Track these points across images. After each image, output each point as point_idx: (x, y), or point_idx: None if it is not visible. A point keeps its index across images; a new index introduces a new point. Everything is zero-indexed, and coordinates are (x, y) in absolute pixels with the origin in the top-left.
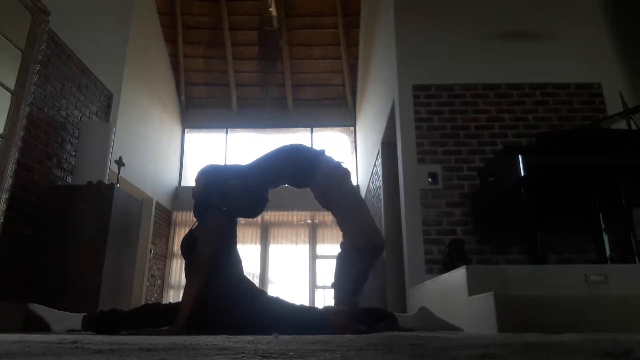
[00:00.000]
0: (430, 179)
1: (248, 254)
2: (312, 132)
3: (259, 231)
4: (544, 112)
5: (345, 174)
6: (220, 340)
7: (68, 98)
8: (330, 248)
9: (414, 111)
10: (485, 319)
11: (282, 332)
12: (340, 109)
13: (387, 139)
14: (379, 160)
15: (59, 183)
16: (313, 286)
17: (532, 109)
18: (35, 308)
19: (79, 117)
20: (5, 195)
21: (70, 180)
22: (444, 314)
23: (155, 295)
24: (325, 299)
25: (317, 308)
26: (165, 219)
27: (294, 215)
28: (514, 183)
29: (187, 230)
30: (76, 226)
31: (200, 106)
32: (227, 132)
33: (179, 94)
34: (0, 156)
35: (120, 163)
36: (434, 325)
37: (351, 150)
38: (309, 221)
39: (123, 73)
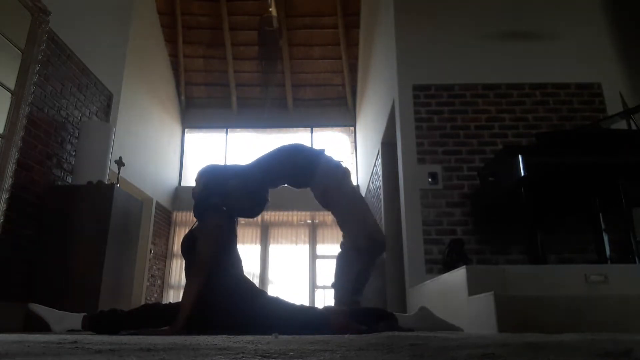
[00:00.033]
0: (430, 179)
1: (248, 254)
2: (312, 132)
3: (259, 231)
4: (544, 112)
5: (345, 173)
6: (220, 340)
7: (68, 98)
8: (330, 248)
9: (414, 111)
10: (485, 319)
11: (282, 332)
12: (340, 109)
13: (387, 139)
14: (379, 160)
15: (59, 183)
16: (313, 286)
17: (532, 109)
18: (35, 308)
19: (79, 117)
20: (5, 195)
21: (70, 180)
22: (444, 314)
23: (155, 295)
24: (325, 299)
25: (317, 308)
26: (165, 219)
27: (294, 215)
28: (514, 183)
29: (187, 230)
30: (76, 226)
31: (200, 106)
32: (227, 132)
33: (179, 94)
34: (0, 156)
35: (120, 163)
36: (434, 325)
37: (351, 150)
38: (309, 221)
39: (123, 73)
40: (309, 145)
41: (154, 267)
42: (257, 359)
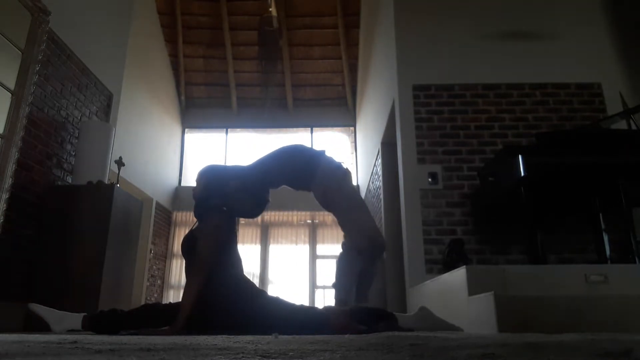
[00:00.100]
0: (430, 179)
1: (248, 254)
2: (312, 132)
3: (259, 231)
4: (544, 112)
5: (346, 174)
6: (220, 340)
7: (68, 98)
8: (330, 248)
9: (414, 111)
10: (485, 319)
11: (282, 332)
12: (340, 109)
13: (387, 139)
14: (379, 160)
15: (59, 183)
16: (313, 286)
17: (532, 109)
18: (35, 308)
19: (79, 117)
20: (5, 195)
21: (70, 180)
22: (444, 314)
23: (155, 295)
24: (325, 299)
25: (317, 308)
26: (165, 219)
27: (294, 215)
28: (514, 183)
29: (187, 231)
30: (76, 226)
31: (200, 106)
32: (227, 132)
33: (179, 94)
34: (0, 156)
35: (120, 163)
36: (434, 325)
37: (351, 150)
38: (309, 221)
39: (123, 73)
40: (309, 146)
41: (154, 267)
42: (257, 359)
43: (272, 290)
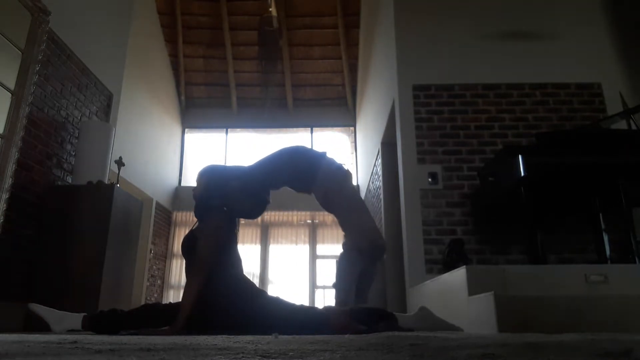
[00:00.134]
0: (430, 179)
1: (248, 254)
2: (312, 132)
3: (259, 231)
4: (544, 112)
5: (347, 176)
6: (220, 340)
7: (68, 98)
8: (330, 248)
9: (414, 111)
10: (485, 319)
11: (282, 332)
12: (340, 109)
13: (387, 139)
14: (379, 160)
15: (59, 183)
16: (313, 286)
17: (532, 109)
18: (35, 308)
19: (79, 117)
20: (5, 195)
21: (70, 180)
22: (444, 314)
23: (155, 295)
24: (325, 299)
25: (317, 308)
26: (165, 219)
27: (294, 215)
28: (514, 183)
29: (187, 231)
30: (76, 226)
31: (200, 106)
32: (227, 132)
33: (179, 94)
34: (0, 156)
35: (120, 163)
36: (434, 325)
37: (351, 150)
38: (309, 221)
39: (123, 73)
40: (310, 147)
41: (154, 267)
42: (257, 359)
43: (272, 290)
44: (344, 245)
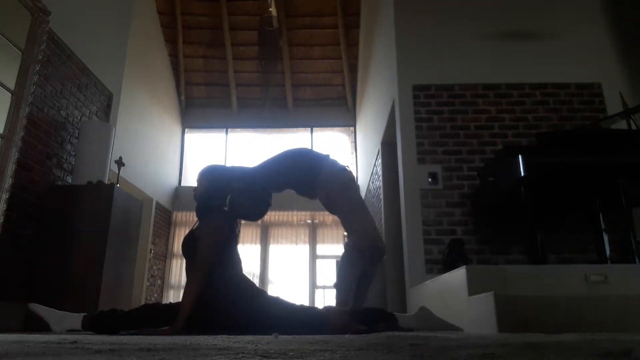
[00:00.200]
0: (430, 179)
1: (248, 254)
2: (312, 132)
3: (259, 231)
4: (544, 112)
5: (350, 177)
6: (220, 340)
7: (68, 98)
8: (330, 248)
9: (414, 111)
10: (485, 319)
11: (282, 332)
12: (340, 109)
13: (387, 139)
14: (379, 160)
15: (59, 183)
16: (313, 286)
17: (532, 109)
18: (35, 308)
19: (79, 117)
20: (5, 195)
21: (70, 180)
22: (444, 314)
23: (155, 295)
24: (325, 299)
25: (317, 308)
26: (165, 219)
27: (294, 215)
28: (514, 183)
29: (187, 231)
30: (76, 226)
31: (200, 106)
32: (227, 132)
33: (179, 94)
34: (0, 156)
35: (120, 163)
36: (434, 325)
37: (351, 150)
38: (309, 221)
39: (123, 73)
40: (313, 149)
41: (154, 267)
42: (257, 359)
43: (272, 290)
44: (346, 246)
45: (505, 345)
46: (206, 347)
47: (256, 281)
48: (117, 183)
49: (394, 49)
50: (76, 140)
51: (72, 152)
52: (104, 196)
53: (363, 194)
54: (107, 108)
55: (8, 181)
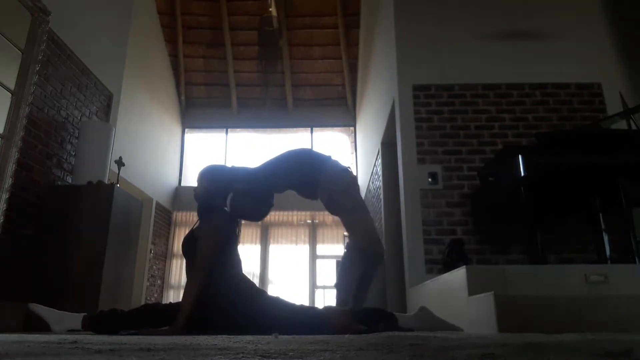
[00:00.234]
0: (430, 179)
1: (248, 254)
2: (312, 132)
3: (259, 231)
4: (544, 112)
5: (352, 178)
6: (220, 340)
7: (68, 98)
8: (330, 248)
9: (414, 111)
10: (485, 319)
11: (282, 332)
12: (340, 109)
13: (387, 139)
14: (379, 160)
15: (59, 183)
16: (313, 286)
17: (532, 109)
18: (35, 308)
19: (79, 117)
20: (5, 195)
21: (70, 180)
22: (444, 314)
23: (155, 295)
24: (325, 299)
25: (317, 308)
26: (165, 219)
27: (294, 215)
28: (514, 183)
29: (187, 231)
30: (76, 226)
31: (200, 106)
32: (227, 132)
33: (179, 94)
34: (0, 156)
35: (120, 163)
36: (434, 325)
37: (351, 150)
38: (309, 221)
39: (123, 73)
40: (315, 150)
41: (154, 267)
42: (257, 359)
43: (272, 290)
44: (347, 246)
45: (505, 345)
46: (206, 347)
47: (256, 281)
48: (117, 183)
49: (394, 49)
50: (76, 140)
51: (72, 152)
52: (104, 196)
53: (363, 194)
54: (107, 108)
55: (8, 181)
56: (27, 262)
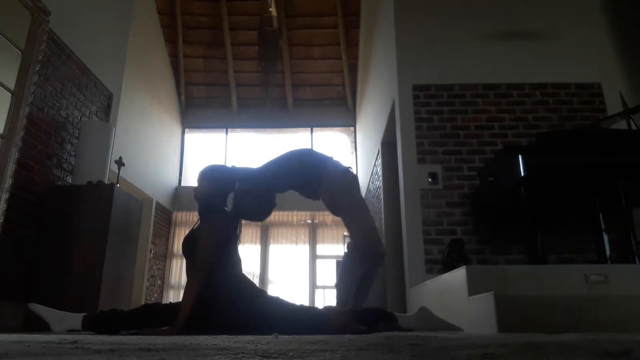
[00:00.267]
0: (430, 179)
1: (248, 254)
2: (312, 132)
3: (259, 231)
4: (544, 112)
5: (353, 178)
6: (220, 340)
7: (68, 98)
8: (330, 248)
9: (414, 111)
10: (485, 319)
11: (282, 332)
12: (340, 109)
13: (387, 139)
14: (379, 160)
15: (59, 183)
16: (313, 286)
17: (532, 109)
18: (35, 308)
19: (79, 117)
20: (5, 195)
21: (70, 180)
22: (444, 314)
23: (155, 295)
24: (325, 299)
25: (317, 308)
26: (165, 219)
27: (294, 215)
28: (514, 183)
29: (187, 231)
30: (76, 226)
31: (200, 106)
32: (227, 132)
33: (179, 94)
34: (0, 156)
35: (120, 163)
36: (434, 325)
37: (351, 150)
38: (309, 221)
39: (123, 73)
40: (317, 151)
41: (154, 267)
42: (257, 359)
43: (272, 290)
44: (349, 246)
45: (505, 345)
46: (206, 347)
47: (256, 281)
48: (117, 183)
49: (394, 49)
50: (76, 140)
51: (72, 152)
52: (104, 196)
53: (363, 194)
54: (107, 108)
55: (8, 181)
56: (27, 262)
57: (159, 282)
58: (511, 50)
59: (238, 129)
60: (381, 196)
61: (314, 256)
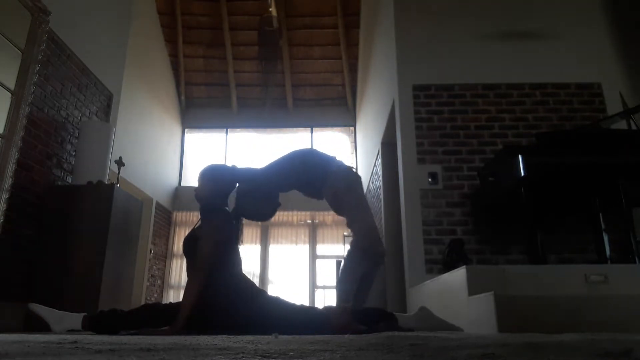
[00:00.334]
0: (430, 179)
1: (248, 254)
2: (312, 132)
3: (259, 231)
4: (544, 112)
5: (356, 178)
6: (220, 340)
7: (68, 98)
8: (330, 248)
9: (414, 111)
10: (485, 319)
11: (282, 332)
12: (340, 109)
13: (387, 139)
14: (379, 160)
15: (59, 183)
16: (313, 286)
17: (532, 109)
18: (35, 308)
19: (79, 117)
20: (5, 195)
21: (70, 180)
22: (444, 314)
23: (155, 295)
24: (325, 299)
25: (317, 308)
26: (165, 219)
27: (294, 215)
28: (514, 183)
29: (187, 231)
30: (76, 226)
31: (200, 106)
32: (227, 132)
33: (179, 94)
34: (0, 156)
35: (120, 163)
36: (434, 325)
37: (351, 150)
38: (309, 221)
39: (123, 73)
40: (320, 151)
41: (154, 267)
42: (257, 359)
43: (272, 290)
44: (351, 244)
45: (505, 345)
46: (206, 347)
47: (256, 281)
48: (117, 183)
49: (394, 49)
50: (76, 140)
51: (72, 152)
52: (104, 196)
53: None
54: (107, 108)
55: (8, 181)
56: (27, 262)
57: (159, 282)
58: (511, 50)
59: (238, 129)
60: (381, 196)
61: (314, 256)
